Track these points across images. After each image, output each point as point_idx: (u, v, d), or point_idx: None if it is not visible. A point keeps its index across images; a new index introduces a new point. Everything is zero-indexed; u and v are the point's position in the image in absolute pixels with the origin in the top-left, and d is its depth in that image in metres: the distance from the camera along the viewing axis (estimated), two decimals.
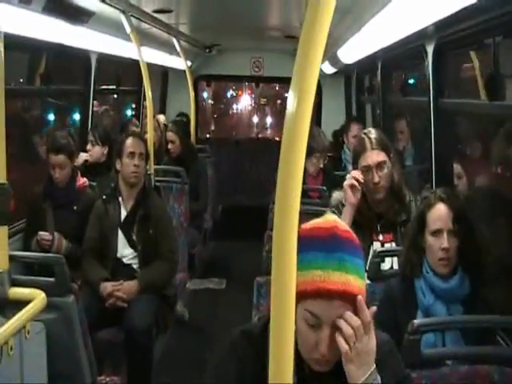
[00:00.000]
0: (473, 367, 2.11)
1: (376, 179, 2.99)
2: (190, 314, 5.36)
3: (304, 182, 4.89)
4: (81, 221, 3.96)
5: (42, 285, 2.69)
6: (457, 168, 3.82)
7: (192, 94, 7.31)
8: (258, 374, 1.47)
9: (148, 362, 3.72)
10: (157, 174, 5.03)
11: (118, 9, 4.03)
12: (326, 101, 8.01)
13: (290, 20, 5.08)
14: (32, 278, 2.88)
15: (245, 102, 12.01)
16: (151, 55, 5.91)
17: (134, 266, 3.91)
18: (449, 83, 3.60)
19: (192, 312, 5.42)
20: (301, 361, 1.52)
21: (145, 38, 5.10)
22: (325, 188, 4.65)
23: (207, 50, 7.59)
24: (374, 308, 1.48)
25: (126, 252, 3.92)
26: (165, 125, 6.55)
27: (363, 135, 3.14)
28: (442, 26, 2.94)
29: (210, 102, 11.67)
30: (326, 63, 6.64)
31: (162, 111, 7.84)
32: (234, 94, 12.15)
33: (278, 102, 11.42)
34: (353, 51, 4.96)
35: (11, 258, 2.70)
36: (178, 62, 6.89)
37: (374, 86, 6.20)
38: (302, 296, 1.42)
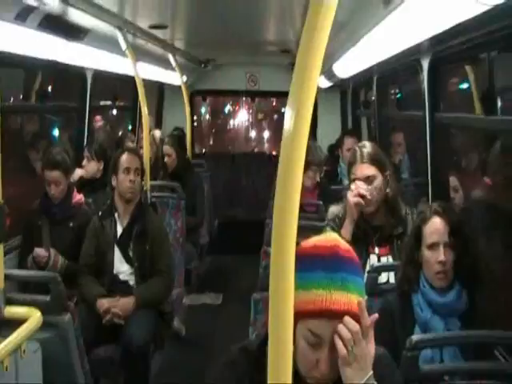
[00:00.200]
0: (471, 383, 2.09)
1: (364, 192, 2.99)
2: (186, 330, 5.33)
3: (300, 197, 4.88)
4: (77, 237, 3.94)
5: (37, 303, 2.67)
6: (453, 181, 3.83)
7: (187, 108, 7.32)
8: None
9: (145, 379, 3.69)
10: (153, 189, 5.00)
11: (113, 25, 4.03)
12: (322, 115, 8.02)
13: (286, 34, 5.09)
14: (27, 296, 2.86)
15: (242, 117, 12.02)
16: (147, 71, 5.92)
17: (131, 283, 3.89)
18: (444, 97, 3.61)
19: (189, 328, 5.39)
20: (299, 379, 1.50)
21: (140, 54, 5.10)
22: (321, 202, 4.64)
23: (203, 65, 7.61)
24: (376, 315, 1.47)
25: (122, 268, 3.90)
26: (161, 139, 6.55)
27: (356, 148, 3.16)
28: (437, 40, 2.95)
29: (207, 117, 11.67)
30: (322, 77, 6.66)
31: (158, 126, 7.84)
32: (231, 110, 12.15)
33: (275, 116, 11.44)
34: (348, 65, 4.98)
35: (6, 277, 2.67)
36: (174, 77, 6.90)
37: (369, 100, 6.22)
38: (302, 314, 1.42)
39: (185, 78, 7.24)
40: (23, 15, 3.16)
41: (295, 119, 0.93)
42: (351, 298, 1.43)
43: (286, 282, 0.94)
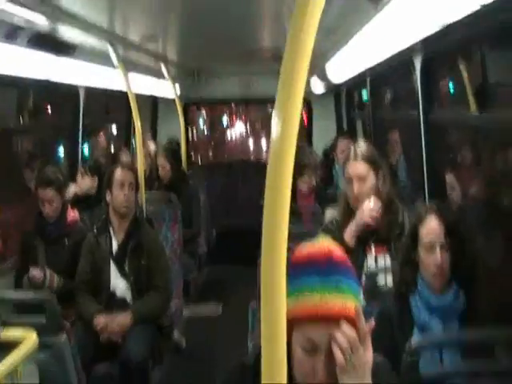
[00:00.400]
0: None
1: (355, 191, 2.98)
2: (186, 342, 5.30)
3: (295, 202, 4.85)
4: (73, 255, 3.91)
5: (33, 324, 2.63)
6: (449, 178, 3.80)
7: (182, 120, 7.30)
8: None
9: None
10: (148, 201, 4.97)
11: (104, 40, 4.01)
12: (317, 120, 8.01)
13: (279, 42, 5.08)
14: (23, 317, 2.82)
15: (239, 128, 12.03)
16: (139, 83, 5.90)
17: (128, 299, 3.85)
18: (438, 96, 3.60)
19: (189, 339, 5.36)
20: None
21: (132, 67, 5.10)
22: (318, 206, 4.60)
23: (196, 76, 7.59)
24: (373, 322, 1.44)
25: (119, 284, 3.86)
26: (155, 151, 6.53)
27: (351, 147, 3.17)
28: (428, 40, 2.93)
29: (205, 128, 11.68)
30: (316, 82, 6.65)
31: (153, 138, 7.82)
32: (229, 120, 12.16)
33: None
34: (341, 69, 4.96)
35: (1, 299, 2.64)
36: (167, 89, 6.89)
37: (363, 102, 6.21)
38: (299, 321, 1.41)
39: (178, 89, 7.23)
40: (12, 34, 3.15)
41: (282, 126, 0.91)
42: (346, 302, 1.42)
43: (278, 291, 0.91)
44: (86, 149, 6.61)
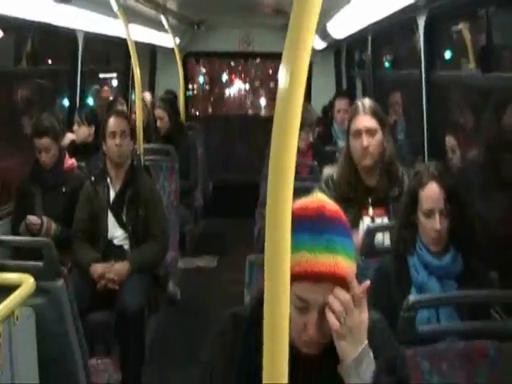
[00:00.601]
0: (469, 343, 2.10)
1: (365, 143, 2.95)
2: (181, 293, 5.34)
3: None
4: (70, 203, 3.90)
5: (30, 269, 2.65)
6: (450, 141, 3.79)
7: (181, 71, 7.23)
8: (247, 358, 1.46)
9: (140, 343, 3.70)
10: (146, 152, 4.96)
11: None
12: (316, 76, 7.94)
13: None
14: (20, 262, 2.85)
15: (239, 85, 11.92)
16: (139, 33, 5.82)
17: (125, 247, 3.87)
18: (440, 55, 3.57)
19: (184, 291, 5.40)
20: (289, 346, 1.50)
21: (132, 15, 5.01)
22: (316, 163, 4.61)
23: (196, 27, 7.50)
24: (368, 282, 1.44)
25: (116, 233, 3.88)
26: (153, 102, 6.48)
27: (358, 102, 3.14)
28: None
29: (204, 83, 11.56)
30: (316, 38, 6.58)
31: (151, 89, 7.76)
32: (228, 77, 12.04)
33: (271, 84, 11.33)
34: (343, 25, 4.91)
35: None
36: (167, 40, 6.80)
37: (364, 60, 6.15)
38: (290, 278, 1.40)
39: (178, 40, 7.15)
40: None
41: (290, 80, 0.90)
42: (338, 260, 1.39)
43: (283, 244, 0.92)
44: (89, 99, 6.60)
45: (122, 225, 3.86)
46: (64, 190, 3.98)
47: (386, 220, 3.02)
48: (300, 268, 1.38)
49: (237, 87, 11.75)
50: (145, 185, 3.96)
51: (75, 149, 4.65)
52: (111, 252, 3.81)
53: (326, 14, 4.94)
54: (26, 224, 3.74)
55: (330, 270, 1.38)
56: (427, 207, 2.39)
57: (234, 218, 6.89)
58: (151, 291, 3.88)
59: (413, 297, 2.15)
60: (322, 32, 5.81)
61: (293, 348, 1.49)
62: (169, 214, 4.62)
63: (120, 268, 3.71)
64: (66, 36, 4.96)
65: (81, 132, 4.81)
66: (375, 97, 5.22)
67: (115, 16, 4.37)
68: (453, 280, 2.40)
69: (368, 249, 2.76)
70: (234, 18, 7.15)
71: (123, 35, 4.58)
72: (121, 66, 7.14)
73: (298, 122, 0.90)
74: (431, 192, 2.39)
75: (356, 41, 6.01)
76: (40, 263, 2.76)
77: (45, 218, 3.79)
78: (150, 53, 7.95)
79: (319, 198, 1.48)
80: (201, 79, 11.29)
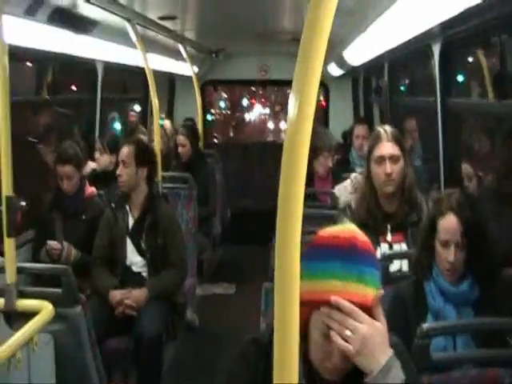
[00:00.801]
0: (483, 370, 2.08)
1: (388, 170, 2.96)
2: (199, 321, 5.34)
3: (312, 185, 4.86)
4: (90, 230, 3.95)
5: (49, 296, 2.69)
6: (466, 168, 3.78)
7: (199, 99, 7.31)
8: (268, 382, 1.46)
9: (157, 370, 3.70)
10: (164, 180, 5.00)
11: (122, 17, 4.02)
12: (334, 103, 8.00)
13: (297, 23, 5.05)
14: (39, 289, 2.89)
15: (256, 109, 12.02)
16: (157, 62, 5.91)
17: (144, 274, 3.90)
18: (456, 82, 3.58)
19: (202, 318, 5.40)
20: (312, 370, 1.50)
21: (151, 45, 5.10)
22: (334, 190, 4.60)
23: (214, 55, 7.58)
24: (382, 291, 1.44)
25: (135, 260, 3.90)
26: (175, 130, 6.54)
27: (379, 129, 3.15)
28: (447, 25, 2.92)
29: (222, 109, 11.65)
30: (333, 65, 6.63)
31: (170, 117, 7.85)
32: (249, 102, 12.14)
33: None
34: (359, 53, 4.94)
35: (19, 270, 2.70)
36: (185, 68, 6.89)
37: (381, 86, 6.17)
38: (318, 305, 1.41)
39: (196, 69, 7.24)
40: (33, 9, 3.17)
41: (299, 107, 0.92)
42: (367, 291, 1.40)
43: (292, 273, 0.93)
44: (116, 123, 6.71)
45: (140, 252, 3.89)
46: (84, 217, 4.04)
47: (404, 246, 3.02)
48: (329, 296, 1.39)
49: (257, 112, 11.84)
50: (164, 212, 3.99)
51: (96, 177, 4.71)
52: (129, 279, 3.84)
53: (342, 42, 4.99)
54: (46, 249, 3.79)
55: (359, 301, 1.40)
56: (444, 238, 2.39)
57: (252, 244, 6.89)
58: (169, 318, 3.89)
59: (427, 324, 2.14)
60: (339, 59, 5.86)
61: (315, 375, 1.50)
62: (187, 241, 4.63)
63: (138, 295, 3.73)
64: (85, 66, 5.06)
65: (102, 160, 4.87)
66: (392, 123, 5.24)
67: (134, 46, 4.45)
68: (469, 307, 2.39)
69: (384, 276, 2.75)
70: (251, 46, 7.22)
71: (141, 64, 4.65)
72: (139, 95, 7.25)
73: (306, 151, 0.91)
74: (448, 223, 2.38)
75: (373, 67, 6.04)
76: (59, 290, 2.80)
77: (65, 244, 3.84)
78: (169, 81, 8.05)
79: (350, 229, 1.49)
80: (222, 104, 11.40)
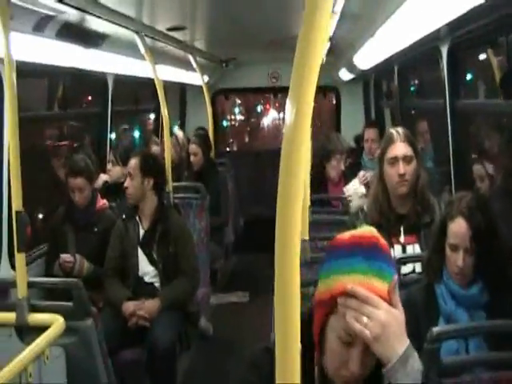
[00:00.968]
0: (494, 374, 2.04)
1: (402, 170, 2.96)
2: (214, 329, 5.34)
3: (326, 190, 4.85)
4: (102, 242, 3.97)
5: (60, 309, 2.70)
6: (479, 169, 3.75)
7: (209, 108, 7.33)
8: None
9: (171, 381, 3.71)
10: (176, 190, 5.01)
11: (131, 30, 4.04)
12: (345, 107, 7.99)
13: None
14: (50, 303, 2.90)
15: (268, 117, 12.05)
16: (167, 73, 5.93)
17: (156, 285, 3.91)
18: (465, 83, 3.55)
19: (216, 326, 5.40)
20: (327, 379, 1.48)
21: (160, 56, 5.12)
22: (344, 189, 4.58)
23: (224, 65, 7.60)
24: (396, 276, 1.44)
25: (147, 270, 3.92)
26: (188, 139, 6.56)
27: (391, 130, 3.15)
28: (454, 26, 2.91)
29: (234, 118, 11.69)
30: (344, 70, 6.63)
31: (181, 127, 7.87)
32: (257, 109, 12.19)
33: None
34: (369, 57, 4.93)
35: (30, 284, 2.72)
36: (195, 78, 6.91)
37: (391, 90, 6.15)
38: (336, 304, 1.40)
39: (206, 78, 7.26)
40: (41, 26, 3.19)
41: (296, 114, 0.92)
42: (386, 287, 1.40)
43: (291, 280, 0.92)
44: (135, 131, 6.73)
45: (152, 262, 3.90)
46: (96, 229, 4.06)
47: (417, 247, 3.02)
48: (351, 288, 1.39)
49: (271, 117, 11.87)
50: (175, 222, 4.01)
51: (107, 189, 4.73)
52: (142, 289, 3.85)
53: (352, 47, 4.99)
54: (59, 262, 3.80)
55: (380, 295, 1.39)
56: (453, 242, 2.37)
57: (265, 252, 6.83)
58: (182, 328, 3.90)
59: (437, 328, 2.11)
60: (350, 64, 5.86)
61: (330, 382, 1.47)
62: (199, 251, 4.64)
63: (151, 305, 3.74)
64: (96, 79, 5.09)
65: (114, 172, 4.89)
66: (404, 125, 5.21)
67: (143, 57, 4.47)
68: (481, 310, 2.36)
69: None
70: (261, 54, 7.22)
71: (151, 76, 4.67)
72: (152, 106, 7.29)
73: (303, 155, 0.91)
74: (458, 228, 2.36)
75: (383, 71, 6.03)
76: (70, 303, 2.81)
77: (78, 256, 3.86)
78: (180, 91, 8.08)
79: (370, 229, 1.50)
80: (236, 110, 11.44)
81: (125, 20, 3.80)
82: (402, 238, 3.02)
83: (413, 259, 2.90)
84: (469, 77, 4.05)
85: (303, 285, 1.03)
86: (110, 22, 3.59)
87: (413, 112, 5.50)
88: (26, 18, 3.02)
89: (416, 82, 5.63)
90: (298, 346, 0.91)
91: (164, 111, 4.73)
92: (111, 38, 4.10)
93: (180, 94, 8.12)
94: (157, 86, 4.66)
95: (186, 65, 6.32)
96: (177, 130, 7.03)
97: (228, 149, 9.97)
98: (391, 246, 2.99)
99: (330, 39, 4.23)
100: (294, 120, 0.92)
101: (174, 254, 3.90)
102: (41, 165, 5.14)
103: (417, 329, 2.32)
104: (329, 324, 1.44)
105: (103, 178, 4.89)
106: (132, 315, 3.71)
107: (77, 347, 2.67)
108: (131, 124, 7.73)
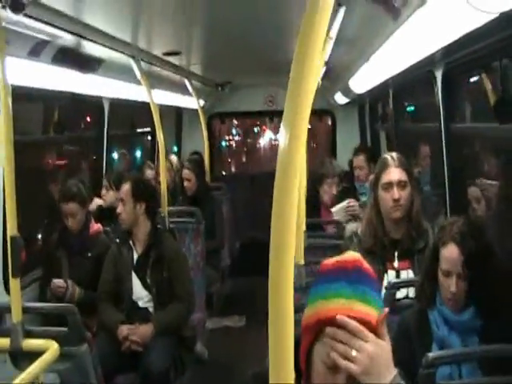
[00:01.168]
0: None
1: (396, 195, 2.98)
2: (209, 354, 5.30)
3: (319, 215, 4.84)
4: (95, 267, 3.95)
5: (55, 335, 2.68)
6: (474, 191, 3.75)
7: (205, 132, 7.34)
8: None
9: None
10: (172, 215, 5.00)
11: (127, 54, 4.06)
12: (341, 131, 8.02)
13: None
14: (45, 328, 2.88)
15: (264, 140, 12.11)
16: (163, 97, 5.96)
17: (150, 309, 3.88)
18: (460, 107, 3.57)
19: (212, 351, 5.36)
20: None
21: (156, 81, 5.14)
22: (339, 220, 4.57)
23: (220, 88, 7.63)
24: (386, 309, 1.44)
25: (141, 295, 3.89)
26: (181, 164, 6.56)
27: (386, 155, 3.17)
28: (448, 51, 2.93)
29: (229, 141, 11.74)
30: (339, 94, 6.67)
31: (178, 150, 7.88)
32: (253, 133, 12.25)
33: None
34: (364, 80, 4.97)
35: (25, 310, 2.69)
36: (191, 102, 6.94)
37: (387, 113, 6.18)
38: (320, 328, 1.39)
39: (202, 102, 7.28)
40: (37, 50, 3.21)
41: (290, 138, 0.92)
42: (371, 310, 1.40)
43: (285, 305, 0.92)
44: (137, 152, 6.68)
45: (146, 287, 3.88)
46: (90, 254, 4.04)
47: (410, 272, 3.02)
48: (335, 314, 1.38)
49: (268, 138, 11.93)
50: (169, 246, 3.99)
51: (102, 213, 4.71)
52: (136, 314, 3.83)
53: (347, 71, 5.02)
54: (50, 288, 3.78)
55: (363, 318, 1.38)
56: (445, 268, 2.37)
57: (261, 276, 6.81)
58: (177, 352, 3.87)
59: (432, 353, 2.10)
60: (345, 88, 5.89)
61: None
62: (195, 275, 4.62)
63: (144, 330, 3.72)
64: (92, 103, 5.10)
65: (108, 196, 4.88)
66: (399, 149, 5.23)
67: (139, 82, 4.49)
68: (475, 335, 2.35)
69: (390, 305, 2.72)
70: (257, 79, 7.27)
71: (147, 100, 4.69)
72: (148, 130, 7.30)
73: (296, 179, 0.91)
74: (450, 253, 2.36)
75: (378, 95, 6.06)
76: (65, 329, 2.79)
77: (69, 282, 3.84)
78: (176, 114, 8.10)
79: (354, 255, 1.50)
80: (234, 131, 11.50)
81: (121, 45, 3.82)
82: (396, 264, 3.02)
83: (406, 284, 2.90)
84: (463, 103, 4.08)
85: (298, 310, 1.02)
86: (105, 46, 3.61)
87: (409, 136, 5.51)
88: (21, 43, 3.03)
89: (412, 105, 5.67)
90: (292, 371, 0.91)
91: (159, 135, 4.74)
92: (107, 63, 4.12)
93: (176, 117, 8.14)
94: (152, 111, 4.68)
95: (181, 89, 6.35)
96: (171, 155, 7.02)
97: (224, 172, 9.98)
98: (385, 271, 3.00)
99: (326, 63, 4.26)
100: (288, 144, 0.92)
101: (168, 279, 3.88)
102: (38, 189, 5.13)
103: (410, 353, 2.31)
104: (315, 349, 1.42)
105: (97, 202, 4.88)
106: (125, 339, 3.69)
107: (71, 373, 2.64)
108: (131, 147, 7.74)
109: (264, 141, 12.05)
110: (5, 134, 2.56)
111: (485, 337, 2.33)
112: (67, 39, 3.23)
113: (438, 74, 3.48)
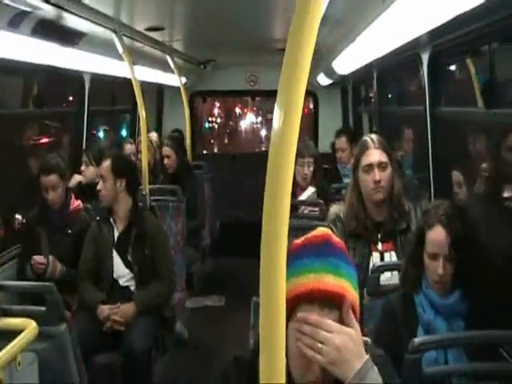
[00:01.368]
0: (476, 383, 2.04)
1: (377, 177, 2.98)
2: (189, 333, 5.30)
3: (294, 196, 4.79)
4: (76, 244, 3.90)
5: (33, 314, 2.64)
6: (456, 176, 3.77)
7: (187, 110, 7.28)
8: None
9: None
10: (152, 193, 4.96)
11: (109, 29, 3.98)
12: (323, 112, 8.00)
13: (285, 33, 5.01)
14: (23, 307, 2.85)
15: (246, 120, 12.06)
16: (145, 73, 5.88)
17: (132, 288, 3.84)
18: (445, 91, 3.56)
19: (192, 331, 5.36)
20: None
21: (138, 57, 5.07)
22: (322, 201, 4.54)
23: (202, 66, 7.56)
24: (349, 302, 1.42)
25: (122, 273, 3.85)
26: (161, 142, 6.50)
27: (365, 137, 3.16)
28: (435, 34, 2.91)
29: (211, 120, 11.67)
30: (322, 75, 6.63)
31: (159, 128, 7.81)
32: (235, 112, 12.21)
33: None
34: (348, 62, 4.94)
35: (1, 288, 2.65)
36: (173, 79, 6.86)
37: (370, 96, 6.17)
38: (294, 305, 1.39)
39: (184, 80, 7.21)
40: (16, 21, 3.12)
41: (284, 120, 0.90)
42: (343, 283, 1.40)
43: (277, 283, 0.90)
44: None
45: (127, 265, 3.84)
46: (70, 231, 3.98)
47: (393, 254, 3.02)
48: (305, 288, 1.38)
49: (249, 121, 11.89)
50: (150, 225, 3.95)
51: (82, 190, 4.65)
52: (117, 293, 3.79)
53: (331, 52, 4.98)
54: (31, 264, 3.72)
55: (335, 291, 1.38)
56: (432, 251, 2.36)
57: (242, 256, 6.84)
58: (158, 332, 3.84)
59: (418, 339, 2.10)
60: (328, 69, 5.86)
61: None
62: (175, 254, 4.60)
63: (126, 310, 3.69)
64: (72, 78, 5.02)
65: (88, 172, 4.81)
66: (382, 132, 5.22)
67: (121, 57, 4.41)
68: (460, 319, 2.35)
69: (374, 288, 2.72)
70: (239, 58, 7.21)
71: (129, 76, 4.62)
72: (127, 106, 7.21)
73: (292, 160, 0.89)
74: (436, 236, 2.35)
75: (362, 77, 6.04)
76: (43, 308, 2.75)
77: (50, 258, 3.78)
78: (157, 92, 8.02)
79: (323, 230, 1.51)
80: (215, 112, 11.45)
81: (103, 19, 3.75)
82: (379, 246, 3.03)
83: (391, 267, 2.90)
84: (449, 86, 4.07)
85: None
86: (87, 20, 3.54)
87: (392, 118, 5.51)
88: (0, 14, 2.95)
89: (396, 88, 5.66)
90: (283, 371, 0.89)
91: (142, 112, 4.68)
92: (88, 37, 4.04)
93: (157, 95, 8.06)
94: (134, 87, 4.61)
95: (163, 65, 6.27)
96: (151, 132, 6.94)
97: (205, 151, 9.93)
98: (370, 254, 3.00)
99: None
100: (282, 124, 0.90)
101: (149, 257, 3.84)
102: (17, 164, 5.05)
103: (396, 338, 2.31)
104: (288, 331, 1.40)
105: (77, 178, 4.81)
106: (107, 319, 3.65)
107: (50, 353, 2.61)
108: (114, 124, 7.65)
109: (245, 123, 12.02)
110: None
111: (470, 320, 2.33)
112: (48, 11, 3.15)
113: (425, 57, 3.46)
